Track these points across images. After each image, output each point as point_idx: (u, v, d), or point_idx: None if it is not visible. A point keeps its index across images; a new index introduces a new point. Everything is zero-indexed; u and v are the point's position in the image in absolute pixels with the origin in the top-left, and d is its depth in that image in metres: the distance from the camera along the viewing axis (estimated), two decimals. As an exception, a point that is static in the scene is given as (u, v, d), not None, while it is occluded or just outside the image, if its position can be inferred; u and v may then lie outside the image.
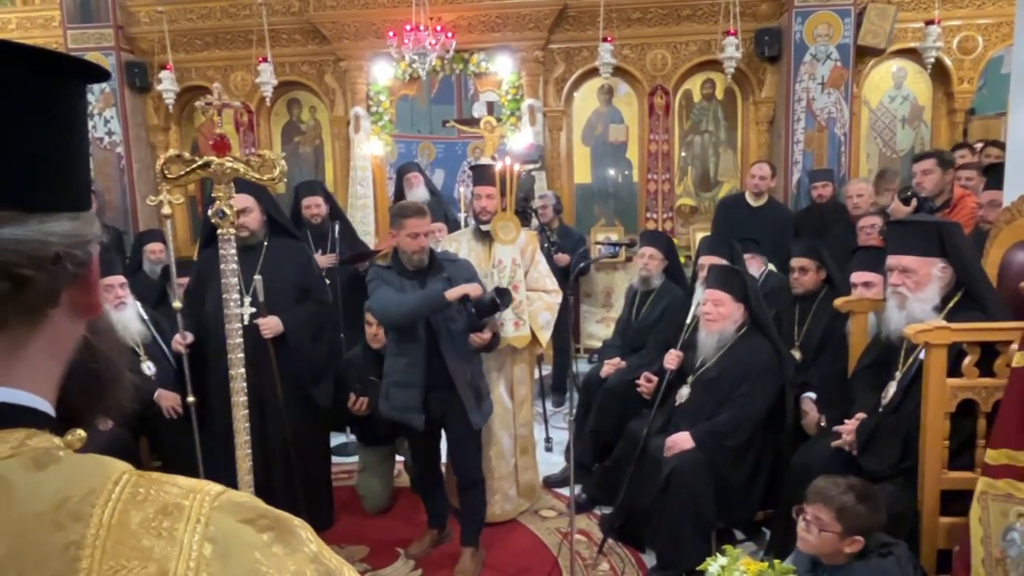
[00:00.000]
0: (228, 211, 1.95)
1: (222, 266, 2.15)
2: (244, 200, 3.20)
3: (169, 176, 1.82)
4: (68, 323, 0.60)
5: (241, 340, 2.32)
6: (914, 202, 3.55)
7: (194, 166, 1.85)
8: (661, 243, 4.38)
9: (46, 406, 0.59)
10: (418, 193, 5.57)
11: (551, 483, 4.09)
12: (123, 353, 0.70)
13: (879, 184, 5.03)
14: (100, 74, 0.63)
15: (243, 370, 2.32)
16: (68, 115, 0.60)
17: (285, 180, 2.07)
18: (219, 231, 2.09)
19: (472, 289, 2.95)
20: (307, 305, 3.39)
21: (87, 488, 0.52)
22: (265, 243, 3.33)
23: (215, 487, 0.56)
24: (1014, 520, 1.99)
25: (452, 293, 2.92)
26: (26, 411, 0.56)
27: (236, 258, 2.19)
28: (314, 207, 4.79)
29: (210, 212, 2.03)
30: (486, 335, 3.13)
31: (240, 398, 2.30)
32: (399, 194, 5.87)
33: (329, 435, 3.92)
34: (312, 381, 3.41)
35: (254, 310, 3.16)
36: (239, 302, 2.39)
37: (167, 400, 3.49)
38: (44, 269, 0.55)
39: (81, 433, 0.59)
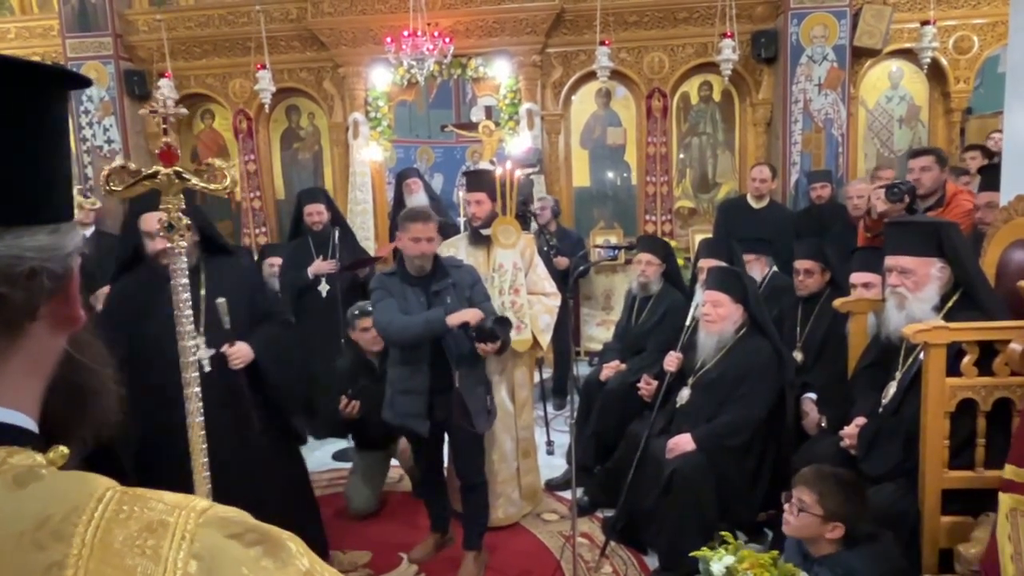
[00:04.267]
0: (176, 223, 1.87)
1: (172, 282, 1.95)
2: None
3: (113, 188, 1.77)
4: (48, 337, 0.59)
5: (196, 375, 2.03)
6: (906, 199, 3.52)
7: (140, 177, 1.76)
8: (658, 249, 4.37)
9: (28, 422, 0.57)
10: (418, 199, 5.58)
11: (553, 486, 4.10)
12: (108, 365, 0.68)
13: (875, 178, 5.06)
14: (77, 80, 0.61)
15: (200, 417, 2.04)
16: (44, 125, 0.58)
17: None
18: (169, 246, 1.93)
19: (472, 316, 2.96)
20: (270, 326, 2.93)
21: (69, 506, 0.50)
22: (201, 265, 2.77)
23: (202, 502, 0.55)
24: None
25: (453, 319, 2.93)
26: (7, 428, 0.55)
27: (187, 273, 1.97)
28: (316, 214, 4.82)
29: (157, 226, 1.91)
30: (491, 347, 3.04)
31: (198, 433, 2.03)
32: (398, 200, 5.88)
33: (302, 455, 3.43)
34: (291, 409, 3.03)
35: (212, 351, 2.64)
36: (193, 335, 2.00)
37: None
38: (17, 285, 0.54)
39: (63, 450, 0.58)
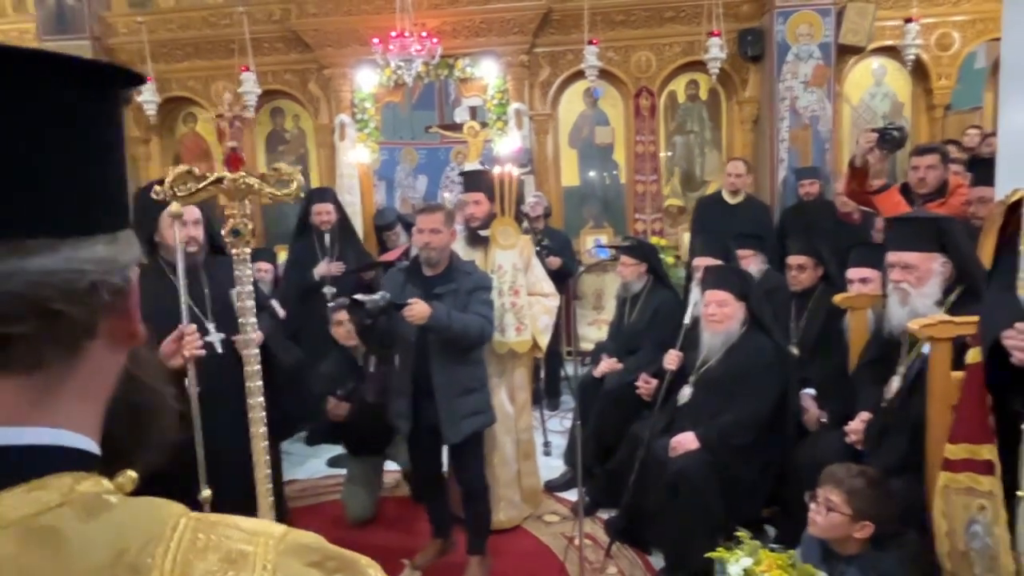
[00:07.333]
0: (243, 229, 1.85)
1: (238, 289, 1.98)
2: (198, 212, 2.73)
3: (180, 194, 1.73)
4: (108, 355, 0.56)
5: (258, 368, 2.10)
6: (896, 134, 3.52)
7: (206, 182, 1.74)
8: (634, 251, 4.42)
9: (91, 445, 0.55)
10: (403, 240, 5.63)
11: (552, 487, 4.08)
12: (165, 382, 0.65)
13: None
14: (135, 79, 0.58)
15: (261, 399, 2.11)
16: (102, 127, 0.55)
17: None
18: (233, 251, 1.94)
19: (417, 310, 2.83)
20: (263, 317, 2.93)
21: (145, 537, 0.49)
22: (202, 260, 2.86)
23: (278, 528, 0.53)
24: (976, 513, 2.01)
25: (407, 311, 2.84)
26: (72, 453, 0.52)
27: (252, 279, 2.02)
28: (324, 214, 4.79)
29: (224, 231, 1.93)
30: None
31: (260, 429, 2.10)
32: (382, 246, 5.98)
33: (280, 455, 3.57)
34: (292, 397, 3.03)
35: (223, 335, 2.70)
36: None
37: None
38: (78, 301, 0.51)
39: (132, 474, 0.56)
